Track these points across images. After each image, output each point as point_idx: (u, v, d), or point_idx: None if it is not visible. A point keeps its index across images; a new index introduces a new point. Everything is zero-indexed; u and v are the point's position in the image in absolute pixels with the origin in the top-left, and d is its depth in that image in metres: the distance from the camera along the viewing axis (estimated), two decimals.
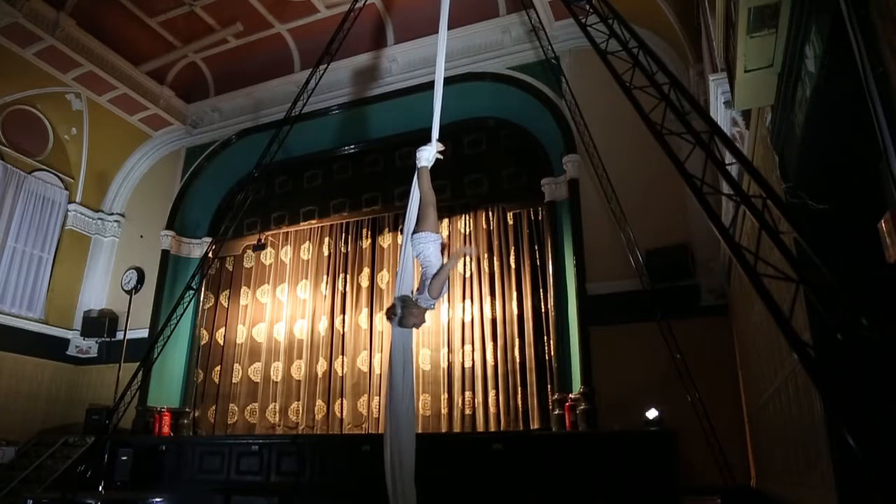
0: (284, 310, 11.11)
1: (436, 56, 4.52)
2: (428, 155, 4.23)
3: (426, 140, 4.33)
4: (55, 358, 11.14)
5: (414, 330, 4.08)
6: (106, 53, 10.43)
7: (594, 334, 7.85)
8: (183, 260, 11.56)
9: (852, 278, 2.20)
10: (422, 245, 4.00)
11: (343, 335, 10.51)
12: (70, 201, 11.64)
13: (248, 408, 10.73)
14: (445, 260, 4.08)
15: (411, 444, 3.93)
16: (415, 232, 4.07)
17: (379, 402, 9.74)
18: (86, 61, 10.23)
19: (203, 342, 11.27)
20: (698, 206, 3.04)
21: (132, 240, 12.04)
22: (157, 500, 8.16)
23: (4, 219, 10.45)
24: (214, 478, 8.70)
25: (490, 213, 9.98)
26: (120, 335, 10.55)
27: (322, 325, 10.70)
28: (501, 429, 8.78)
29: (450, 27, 4.64)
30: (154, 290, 11.05)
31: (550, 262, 8.75)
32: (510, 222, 9.76)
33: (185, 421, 10.60)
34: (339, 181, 11.23)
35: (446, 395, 9.31)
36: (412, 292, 4.03)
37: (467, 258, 9.88)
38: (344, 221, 11.14)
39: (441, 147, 4.31)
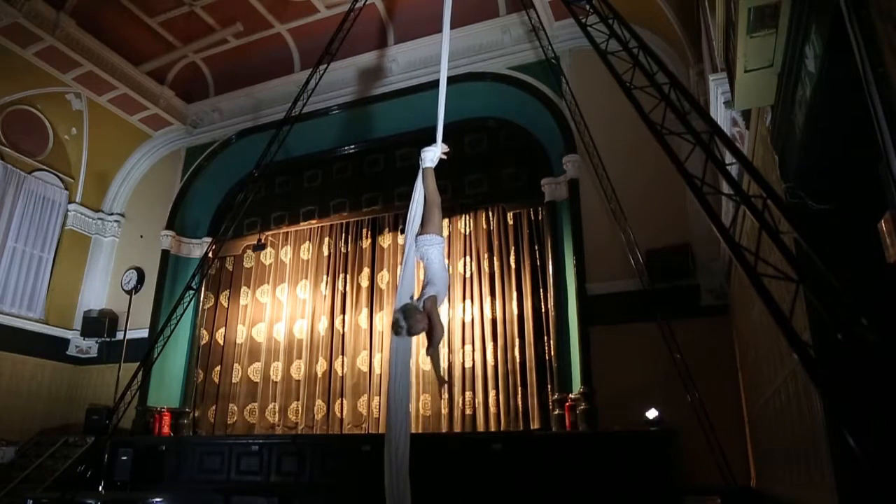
0: (284, 310, 11.11)
1: (437, 56, 4.54)
2: (433, 156, 4.25)
3: (427, 140, 4.35)
4: (55, 358, 11.14)
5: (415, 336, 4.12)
6: (106, 53, 10.42)
7: (594, 334, 7.85)
8: (183, 260, 11.56)
9: (852, 278, 2.20)
10: (426, 248, 4.00)
11: (343, 335, 10.51)
12: (70, 201, 11.64)
13: (248, 408, 10.73)
14: (447, 262, 4.10)
15: (406, 442, 4.05)
16: (420, 234, 4.08)
17: (379, 402, 9.74)
18: (86, 61, 10.22)
19: (203, 342, 11.27)
20: (698, 206, 3.03)
21: (132, 240, 12.05)
22: (157, 500, 8.16)
23: (4, 219, 10.45)
24: (214, 478, 8.71)
25: (490, 213, 9.98)
26: (120, 335, 10.55)
27: (322, 325, 10.69)
28: (501, 429, 8.78)
29: (450, 27, 4.64)
30: (154, 290, 11.05)
31: (550, 262, 8.74)
32: (510, 222, 9.75)
33: (185, 421, 10.61)
34: (339, 181, 11.23)
35: (446, 395, 9.30)
36: (411, 297, 4.05)
37: (468, 259, 9.88)
38: (344, 221, 11.14)
39: (446, 148, 4.33)
